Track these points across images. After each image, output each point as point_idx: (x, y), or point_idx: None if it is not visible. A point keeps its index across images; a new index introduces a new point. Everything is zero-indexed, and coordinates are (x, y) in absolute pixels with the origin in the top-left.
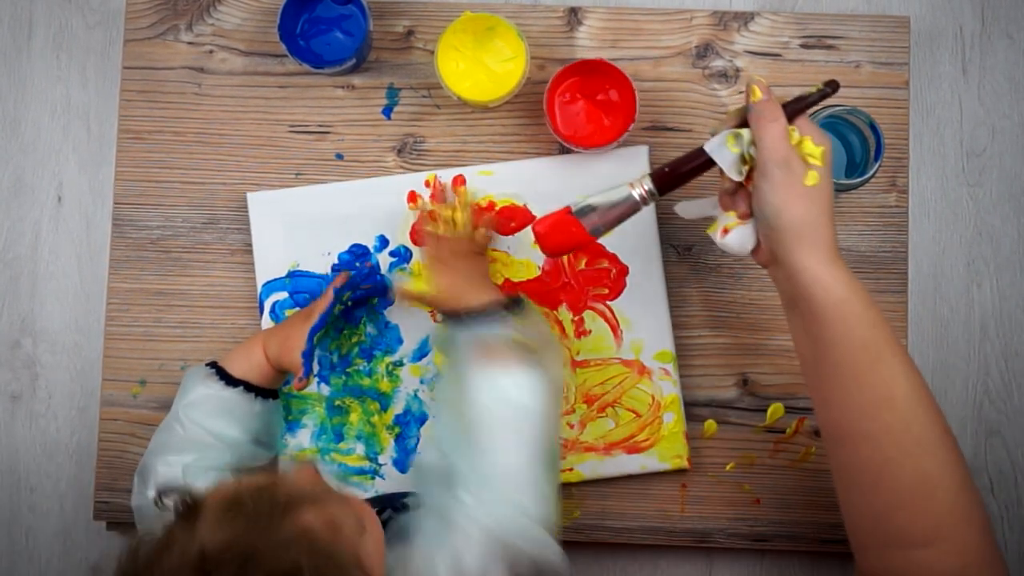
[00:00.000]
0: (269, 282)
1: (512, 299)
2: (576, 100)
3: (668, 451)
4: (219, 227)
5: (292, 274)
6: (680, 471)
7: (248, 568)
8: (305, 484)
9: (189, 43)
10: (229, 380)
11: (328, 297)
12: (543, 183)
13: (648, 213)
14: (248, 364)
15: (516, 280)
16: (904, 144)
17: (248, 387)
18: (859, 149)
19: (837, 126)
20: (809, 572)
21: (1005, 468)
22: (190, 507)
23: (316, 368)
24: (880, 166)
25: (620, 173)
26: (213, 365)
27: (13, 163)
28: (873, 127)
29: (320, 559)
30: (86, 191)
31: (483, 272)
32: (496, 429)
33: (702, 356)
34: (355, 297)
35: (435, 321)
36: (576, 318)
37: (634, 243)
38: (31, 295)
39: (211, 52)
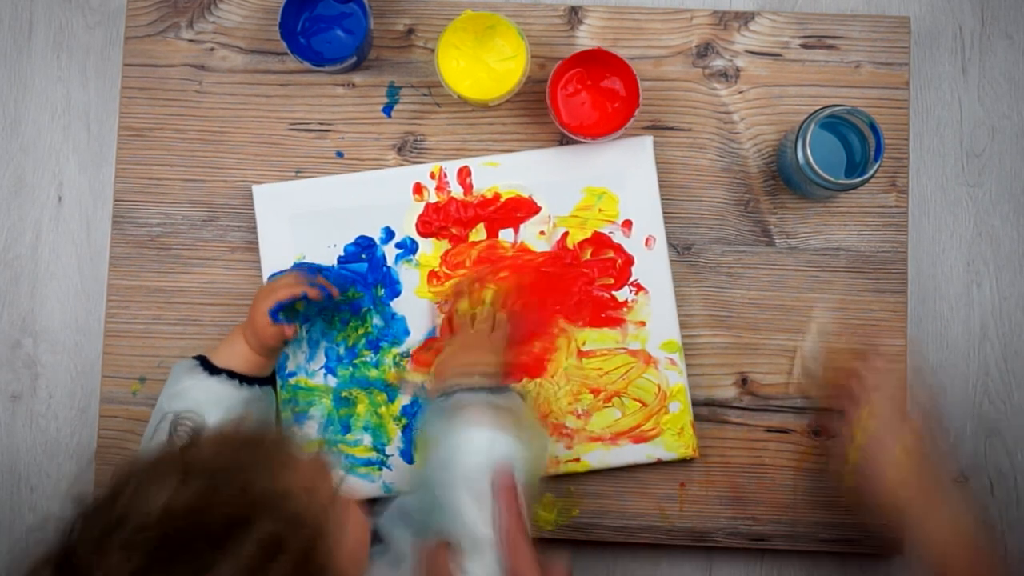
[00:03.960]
0: (275, 274)
1: (503, 386)
2: (579, 92)
3: (675, 440)
4: (219, 224)
5: (297, 266)
6: (685, 461)
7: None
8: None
9: (190, 41)
10: (213, 370)
11: (312, 293)
12: (549, 174)
13: (653, 204)
14: (230, 353)
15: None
16: (904, 144)
17: (232, 374)
18: (859, 149)
19: (837, 126)
20: (809, 572)
21: (1005, 468)
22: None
23: (296, 330)
24: (880, 166)
25: (625, 162)
26: (198, 358)
27: (13, 163)
28: (873, 127)
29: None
30: (86, 191)
31: (487, 354)
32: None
33: (702, 356)
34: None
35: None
36: None
37: (639, 234)
38: (31, 295)
39: (212, 50)
